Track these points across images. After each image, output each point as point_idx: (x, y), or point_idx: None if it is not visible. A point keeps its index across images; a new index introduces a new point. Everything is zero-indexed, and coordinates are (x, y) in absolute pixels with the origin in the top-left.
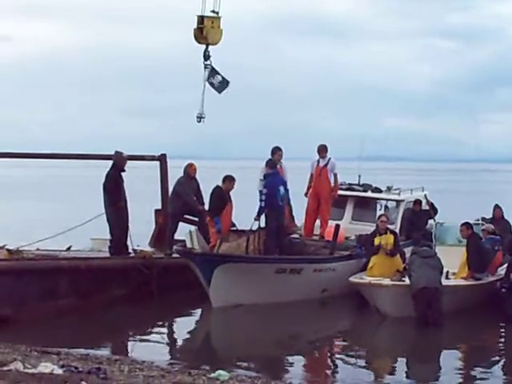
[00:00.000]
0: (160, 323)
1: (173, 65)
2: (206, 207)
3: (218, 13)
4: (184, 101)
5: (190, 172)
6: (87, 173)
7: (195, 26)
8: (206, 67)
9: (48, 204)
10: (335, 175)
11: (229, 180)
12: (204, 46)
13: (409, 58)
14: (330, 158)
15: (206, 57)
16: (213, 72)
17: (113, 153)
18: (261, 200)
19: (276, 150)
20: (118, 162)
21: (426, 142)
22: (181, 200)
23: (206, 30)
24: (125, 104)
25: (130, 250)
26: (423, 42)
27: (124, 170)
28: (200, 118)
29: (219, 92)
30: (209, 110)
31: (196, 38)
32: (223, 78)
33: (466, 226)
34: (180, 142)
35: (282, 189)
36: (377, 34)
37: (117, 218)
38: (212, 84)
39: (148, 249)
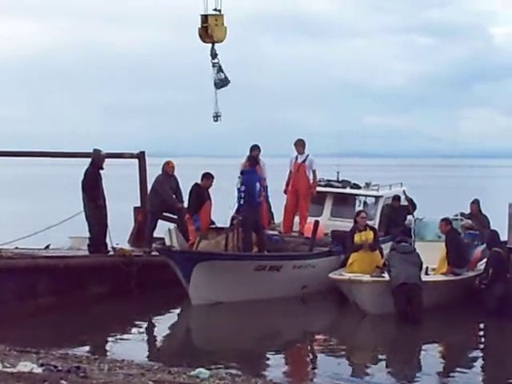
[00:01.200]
0: (139, 321)
1: (155, 64)
2: (186, 205)
3: (220, 10)
4: (165, 99)
5: (168, 170)
6: (66, 171)
7: (199, 25)
8: (214, 65)
9: (26, 202)
10: (314, 172)
11: (207, 177)
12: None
13: (388, 55)
14: (307, 155)
15: (214, 55)
16: (219, 69)
17: (92, 151)
18: (239, 198)
19: (254, 148)
20: (97, 159)
21: (405, 138)
22: (159, 198)
23: (210, 29)
24: (107, 102)
25: (109, 249)
26: (402, 38)
27: (102, 168)
28: (216, 116)
29: (217, 88)
30: (189, 107)
31: (201, 37)
32: (226, 76)
33: (445, 221)
34: (160, 139)
35: (258, 185)
36: (356, 31)
37: (95, 217)
38: (213, 80)
39: (127, 247)
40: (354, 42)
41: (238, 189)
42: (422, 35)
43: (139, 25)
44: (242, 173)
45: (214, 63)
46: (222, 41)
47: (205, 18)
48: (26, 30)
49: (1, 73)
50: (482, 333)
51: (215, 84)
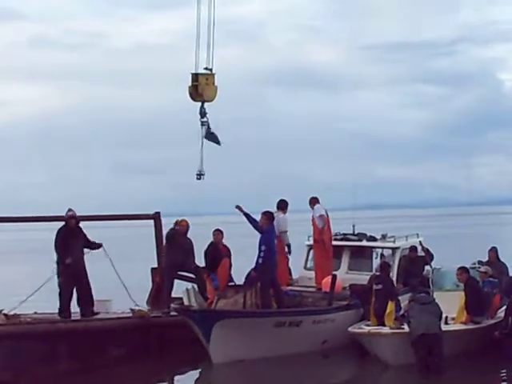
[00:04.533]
0: (161, 382)
1: (161, 123)
2: (201, 264)
3: (211, 70)
4: (174, 157)
5: (179, 229)
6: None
7: (189, 83)
8: (202, 124)
9: (29, 267)
10: (321, 217)
11: (216, 233)
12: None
13: (397, 105)
14: (316, 207)
15: (203, 114)
16: (208, 128)
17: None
18: (258, 256)
19: (281, 203)
20: (66, 220)
21: (419, 187)
22: (173, 256)
23: (200, 88)
24: (115, 162)
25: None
26: (410, 88)
27: (74, 227)
28: (200, 175)
29: (208, 139)
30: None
31: (191, 96)
32: (215, 135)
33: (463, 270)
34: (173, 198)
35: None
36: (363, 83)
37: (62, 276)
38: (203, 135)
39: (146, 308)
40: (362, 93)
41: (259, 247)
42: (430, 84)
43: (145, 87)
44: (261, 232)
45: (202, 122)
46: (212, 100)
47: (195, 76)
48: (31, 95)
49: (8, 138)
50: (503, 380)
51: (206, 136)
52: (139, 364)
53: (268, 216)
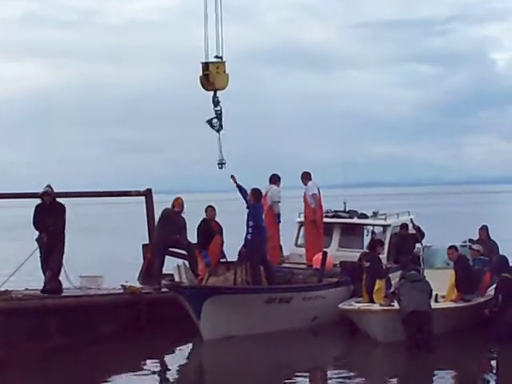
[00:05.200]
0: (152, 359)
1: (154, 99)
2: (193, 241)
3: (221, 58)
4: (171, 136)
5: (175, 206)
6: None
7: (200, 73)
8: (216, 113)
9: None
10: (313, 196)
11: (209, 210)
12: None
13: (389, 84)
14: (309, 184)
15: (216, 103)
16: (219, 117)
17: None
18: (247, 232)
19: (273, 178)
20: (41, 196)
21: (411, 166)
22: (165, 233)
23: (212, 76)
24: (107, 139)
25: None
26: (403, 67)
27: (48, 203)
28: (221, 164)
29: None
30: (193, 140)
31: (203, 85)
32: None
33: (453, 248)
34: (165, 176)
35: (263, 219)
36: (356, 61)
37: (40, 251)
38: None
39: (137, 284)
40: (355, 72)
41: (247, 224)
42: (424, 63)
43: (140, 63)
44: (248, 207)
45: (216, 111)
46: (223, 88)
47: (206, 65)
48: (24, 71)
49: (7, 115)
50: (493, 358)
51: (215, 127)
52: (130, 340)
53: (255, 194)
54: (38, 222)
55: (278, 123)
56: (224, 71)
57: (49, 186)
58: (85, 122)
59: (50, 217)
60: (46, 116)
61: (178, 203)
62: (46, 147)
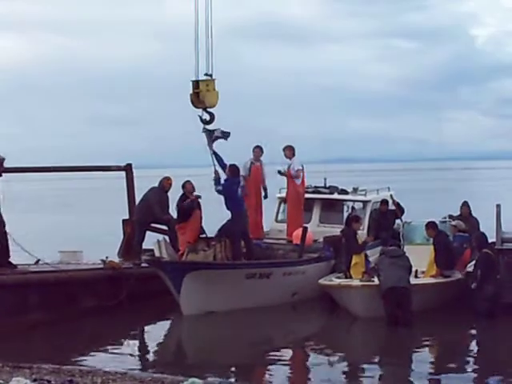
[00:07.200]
0: (131, 333)
1: (136, 74)
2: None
3: (211, 75)
4: (146, 110)
5: (165, 185)
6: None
7: (190, 91)
8: (206, 132)
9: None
10: (297, 172)
11: (187, 184)
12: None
13: (368, 59)
14: (293, 160)
15: (204, 121)
16: (211, 132)
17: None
18: (227, 208)
19: (254, 148)
20: None
21: (391, 141)
22: (149, 208)
23: (202, 95)
24: (88, 114)
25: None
26: (382, 42)
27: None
28: (216, 180)
29: (226, 138)
30: (173, 116)
31: (193, 103)
32: (222, 131)
33: (431, 225)
34: (144, 151)
35: (239, 193)
36: (334, 36)
37: None
38: (217, 137)
39: (117, 259)
40: (333, 46)
41: (224, 200)
42: (401, 39)
43: (117, 38)
44: (225, 180)
45: (205, 129)
46: (214, 106)
47: (196, 83)
48: (1, 44)
49: None
50: (473, 334)
51: (223, 137)
52: (110, 315)
53: (232, 169)
54: None
55: (253, 99)
56: (214, 88)
57: None
58: (66, 96)
59: None
60: (23, 90)
61: (168, 183)
62: (26, 121)
